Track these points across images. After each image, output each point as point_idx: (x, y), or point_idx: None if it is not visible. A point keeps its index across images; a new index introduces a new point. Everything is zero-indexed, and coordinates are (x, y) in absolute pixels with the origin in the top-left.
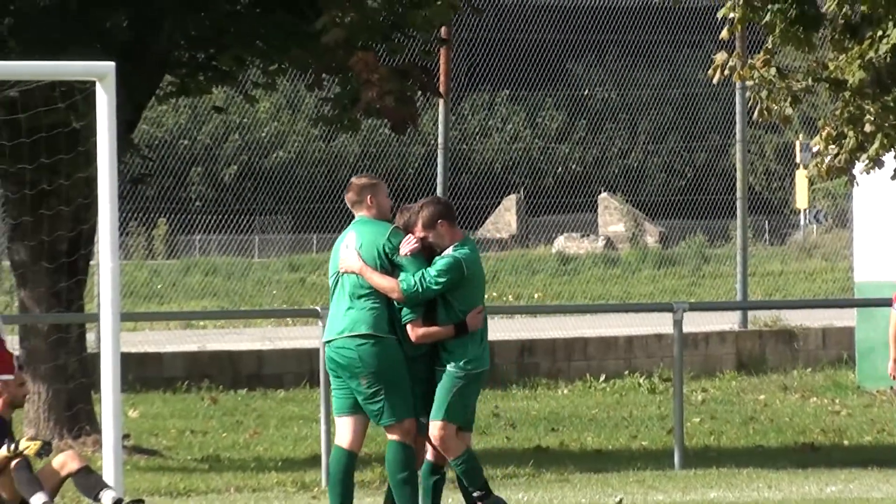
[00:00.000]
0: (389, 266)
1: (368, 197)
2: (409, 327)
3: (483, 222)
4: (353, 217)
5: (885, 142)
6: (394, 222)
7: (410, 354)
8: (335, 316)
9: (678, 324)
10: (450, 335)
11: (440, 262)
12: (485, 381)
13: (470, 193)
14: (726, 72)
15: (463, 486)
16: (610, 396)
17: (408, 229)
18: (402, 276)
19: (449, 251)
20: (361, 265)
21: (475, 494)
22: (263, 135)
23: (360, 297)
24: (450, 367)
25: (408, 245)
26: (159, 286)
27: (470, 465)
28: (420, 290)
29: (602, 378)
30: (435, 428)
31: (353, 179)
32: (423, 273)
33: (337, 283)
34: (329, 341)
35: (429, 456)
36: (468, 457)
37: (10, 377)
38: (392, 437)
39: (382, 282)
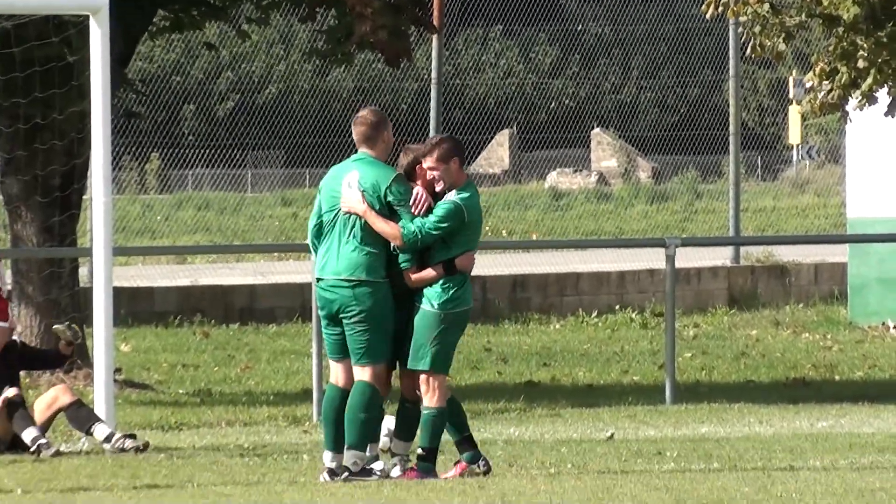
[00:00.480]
0: (388, 212)
1: (385, 133)
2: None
3: (476, 157)
4: (350, 152)
5: (878, 77)
6: (397, 161)
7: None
8: (330, 254)
9: (670, 259)
10: (441, 275)
11: (441, 209)
12: (466, 320)
13: (463, 129)
14: (720, 7)
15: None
16: (602, 331)
17: (411, 170)
18: (403, 222)
19: (452, 195)
20: (366, 208)
21: (419, 452)
22: (255, 69)
23: (360, 239)
24: (428, 307)
25: (417, 205)
26: (152, 221)
27: (440, 421)
28: (420, 236)
29: (594, 313)
30: (421, 380)
31: (366, 113)
32: (423, 220)
33: (335, 220)
34: (321, 279)
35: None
36: (441, 411)
37: (5, 324)
38: (363, 377)
39: (385, 227)
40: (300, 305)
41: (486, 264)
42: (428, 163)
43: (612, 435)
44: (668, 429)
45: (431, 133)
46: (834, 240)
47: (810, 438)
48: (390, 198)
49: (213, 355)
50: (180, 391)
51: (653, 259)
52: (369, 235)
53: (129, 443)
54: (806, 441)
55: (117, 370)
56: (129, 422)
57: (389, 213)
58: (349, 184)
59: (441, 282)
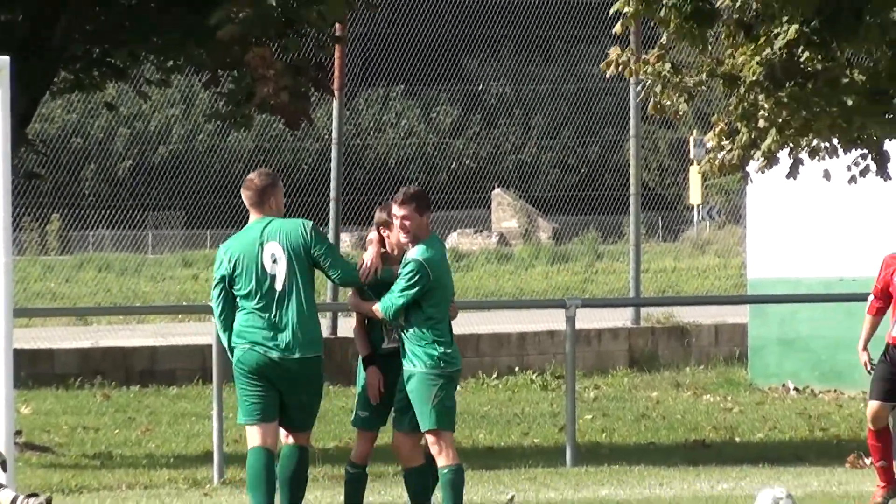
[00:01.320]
0: (309, 266)
1: (272, 198)
2: (360, 329)
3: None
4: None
5: (778, 138)
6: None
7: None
8: (280, 326)
9: (570, 320)
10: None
11: (404, 274)
12: (458, 380)
13: (364, 189)
14: (619, 66)
15: (418, 488)
16: (502, 393)
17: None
18: (382, 301)
19: (414, 252)
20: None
21: None
22: (152, 128)
23: (311, 311)
24: (421, 370)
25: (366, 273)
26: (52, 282)
27: (459, 478)
28: (393, 308)
29: (494, 375)
30: (430, 441)
31: (253, 177)
32: (390, 292)
33: (271, 287)
34: (272, 349)
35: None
36: (459, 467)
37: None
38: (301, 441)
39: (367, 307)
40: (200, 367)
41: None
42: (403, 211)
43: (513, 498)
44: (569, 491)
45: (332, 193)
46: (734, 300)
47: (711, 500)
48: (317, 253)
49: (114, 417)
50: (81, 454)
51: (553, 320)
52: (313, 307)
53: (32, 501)
54: (707, 503)
55: (17, 433)
56: (29, 484)
57: (310, 267)
58: (274, 257)
59: (429, 344)
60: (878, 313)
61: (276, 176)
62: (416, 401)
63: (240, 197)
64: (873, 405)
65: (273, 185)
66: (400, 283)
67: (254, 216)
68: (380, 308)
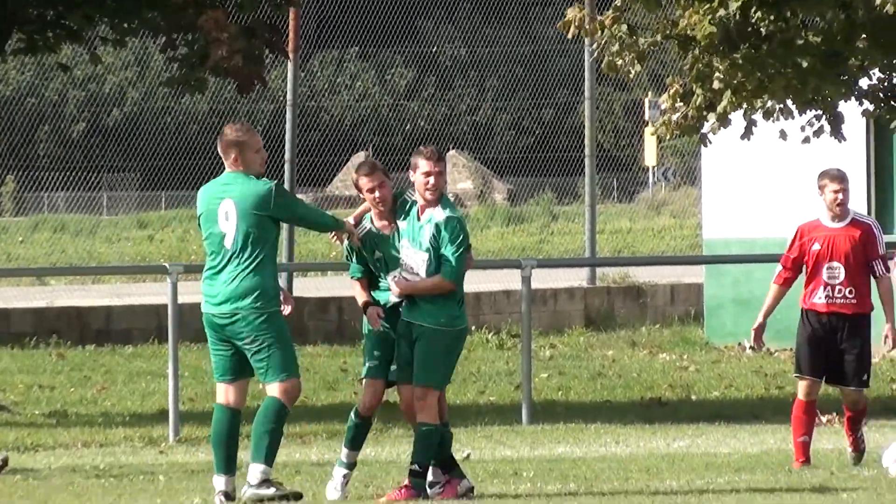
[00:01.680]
0: (261, 226)
1: (236, 155)
2: (358, 284)
3: (332, 179)
4: (205, 174)
5: (733, 99)
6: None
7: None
8: (222, 281)
9: (526, 280)
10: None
11: (453, 234)
12: (464, 341)
13: (319, 150)
14: (575, 28)
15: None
16: None
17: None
18: (443, 271)
19: (445, 211)
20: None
21: (414, 468)
22: (107, 91)
23: (255, 268)
24: (439, 326)
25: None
26: (8, 243)
27: (435, 437)
28: (457, 271)
29: None
30: (417, 395)
31: (225, 130)
32: (449, 255)
33: (222, 243)
34: (213, 305)
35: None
36: (437, 427)
37: None
38: (272, 393)
39: (430, 285)
40: (156, 326)
41: (341, 286)
42: (438, 167)
43: (469, 455)
44: (525, 449)
45: (287, 155)
46: (690, 261)
47: (667, 458)
48: (282, 212)
49: (69, 376)
50: (36, 412)
51: (509, 280)
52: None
53: None
54: (662, 461)
55: None
56: None
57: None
58: (226, 214)
59: (445, 301)
60: (786, 284)
61: (249, 132)
62: (425, 354)
63: (195, 158)
64: (804, 383)
65: (239, 142)
66: (450, 245)
67: (226, 169)
68: (447, 279)
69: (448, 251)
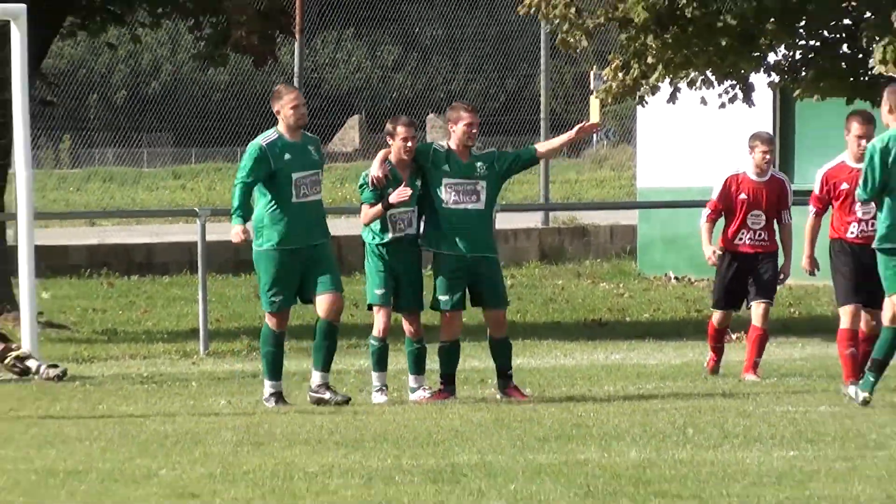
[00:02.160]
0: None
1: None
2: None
3: (332, 138)
4: (229, 135)
5: (664, 72)
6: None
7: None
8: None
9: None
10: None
11: (504, 151)
12: None
13: (321, 114)
14: (532, 8)
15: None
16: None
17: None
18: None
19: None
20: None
21: (508, 372)
22: (145, 64)
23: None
24: (494, 256)
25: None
26: (65, 191)
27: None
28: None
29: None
30: (502, 314)
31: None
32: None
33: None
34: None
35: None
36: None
37: None
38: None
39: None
40: (188, 261)
41: (341, 227)
42: (476, 118)
43: None
44: (489, 361)
45: None
46: (626, 206)
47: (605, 368)
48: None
49: (118, 301)
50: (91, 330)
51: None
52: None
53: (52, 371)
54: (602, 371)
55: (39, 314)
56: (49, 355)
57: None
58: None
59: (492, 235)
60: (713, 222)
61: (277, 91)
62: (495, 283)
63: (218, 120)
64: (718, 314)
65: (274, 97)
66: (512, 153)
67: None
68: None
69: (515, 152)
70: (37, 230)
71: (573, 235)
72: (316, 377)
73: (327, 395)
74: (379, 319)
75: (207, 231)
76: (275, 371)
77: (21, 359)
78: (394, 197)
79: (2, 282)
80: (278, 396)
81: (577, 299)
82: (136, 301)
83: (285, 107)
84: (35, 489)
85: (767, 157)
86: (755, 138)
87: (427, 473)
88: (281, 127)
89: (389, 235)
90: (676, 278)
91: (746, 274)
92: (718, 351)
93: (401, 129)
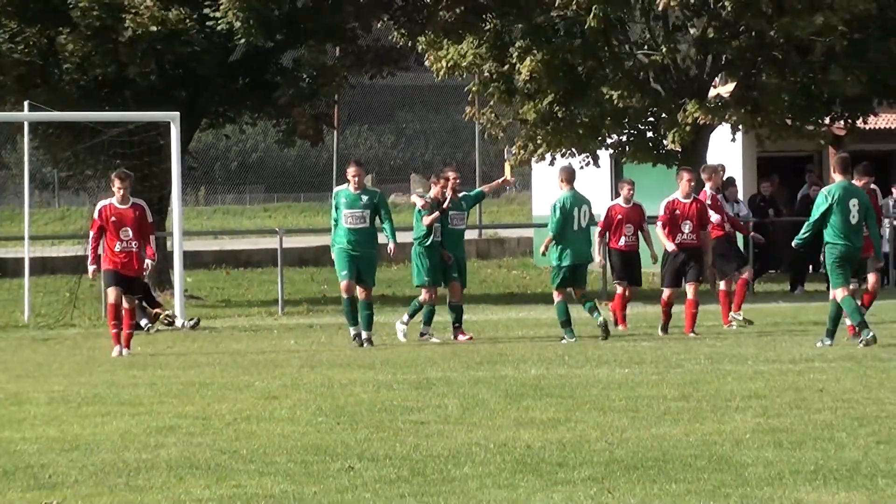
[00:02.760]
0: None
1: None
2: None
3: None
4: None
5: (546, 149)
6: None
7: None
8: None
9: None
10: None
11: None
12: None
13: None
14: (472, 115)
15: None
16: None
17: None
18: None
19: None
20: None
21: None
22: (248, 145)
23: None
24: (463, 255)
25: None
26: (198, 221)
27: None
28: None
29: None
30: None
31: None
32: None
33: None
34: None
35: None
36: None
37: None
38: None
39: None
40: (272, 259)
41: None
42: (456, 175)
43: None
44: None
45: (333, 173)
46: (526, 225)
47: (516, 321)
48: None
49: (231, 283)
50: (214, 300)
51: None
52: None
53: (190, 323)
54: (514, 322)
55: (186, 290)
56: (191, 315)
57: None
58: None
59: None
60: (669, 230)
61: (349, 163)
62: (461, 268)
63: (288, 177)
64: (668, 291)
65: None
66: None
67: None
68: None
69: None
70: (184, 242)
71: (497, 243)
72: (363, 333)
73: (365, 345)
74: (425, 293)
75: (283, 242)
76: (353, 319)
77: (170, 316)
78: (446, 204)
79: (164, 271)
80: (359, 337)
81: (498, 280)
82: (241, 282)
83: (349, 173)
84: (180, 394)
85: (691, 184)
86: (681, 170)
87: (411, 384)
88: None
89: (430, 240)
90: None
91: (685, 262)
92: (666, 314)
93: (451, 174)
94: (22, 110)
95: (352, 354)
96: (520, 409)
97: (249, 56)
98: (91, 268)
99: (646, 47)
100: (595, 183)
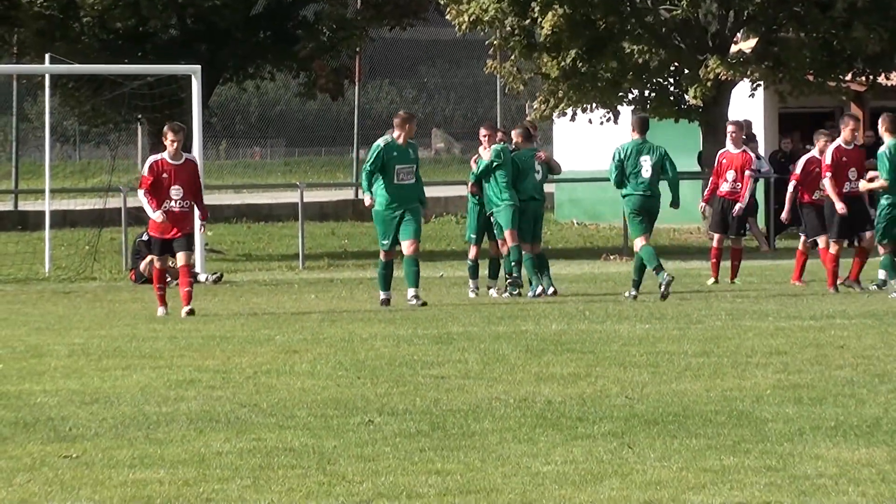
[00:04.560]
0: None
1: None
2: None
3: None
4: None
5: (567, 104)
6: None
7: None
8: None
9: None
10: None
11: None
12: None
13: (372, 128)
14: (493, 69)
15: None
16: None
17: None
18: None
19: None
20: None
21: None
22: (270, 97)
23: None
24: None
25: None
26: (221, 173)
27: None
28: None
29: None
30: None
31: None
32: None
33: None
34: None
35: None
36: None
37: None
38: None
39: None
40: (293, 213)
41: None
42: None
43: (442, 275)
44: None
45: (356, 128)
46: (552, 181)
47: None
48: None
49: (252, 237)
50: (236, 254)
51: None
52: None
53: (213, 277)
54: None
55: (206, 244)
56: (212, 269)
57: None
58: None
59: None
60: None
61: (397, 116)
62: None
63: (309, 131)
64: (718, 236)
65: (395, 119)
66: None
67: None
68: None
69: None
70: (205, 195)
71: None
72: (410, 291)
73: (415, 302)
74: (471, 250)
75: (304, 196)
76: (385, 285)
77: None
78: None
79: None
80: (387, 301)
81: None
82: (262, 237)
83: (405, 125)
84: (200, 348)
85: (734, 134)
86: (729, 124)
87: (432, 338)
88: (396, 134)
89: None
90: (578, 223)
91: (729, 210)
92: (717, 266)
93: (486, 131)
94: (43, 63)
95: (372, 310)
96: (540, 364)
97: (271, 9)
98: (157, 214)
99: (667, 2)
100: (614, 140)
